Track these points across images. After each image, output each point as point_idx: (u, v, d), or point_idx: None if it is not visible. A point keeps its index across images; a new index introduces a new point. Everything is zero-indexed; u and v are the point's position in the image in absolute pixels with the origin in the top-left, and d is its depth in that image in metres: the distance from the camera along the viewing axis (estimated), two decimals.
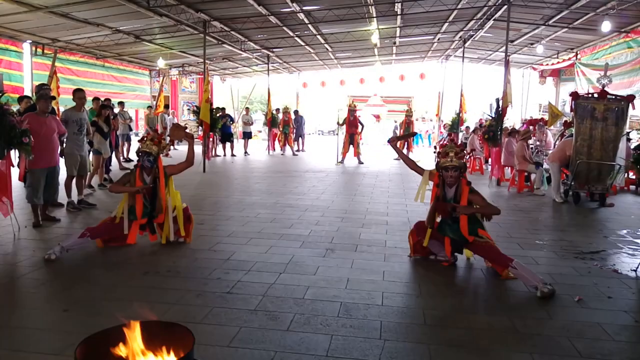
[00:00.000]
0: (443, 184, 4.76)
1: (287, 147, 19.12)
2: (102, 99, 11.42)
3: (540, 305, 3.91)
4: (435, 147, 18.63)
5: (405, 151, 17.26)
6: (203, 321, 3.47)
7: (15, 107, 7.04)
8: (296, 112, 20.81)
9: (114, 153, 11.29)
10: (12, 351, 3.04)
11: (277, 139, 19.59)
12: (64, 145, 7.24)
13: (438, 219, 4.87)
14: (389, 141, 5.69)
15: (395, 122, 27.49)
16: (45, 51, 14.94)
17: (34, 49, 14.73)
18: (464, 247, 4.77)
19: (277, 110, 19.84)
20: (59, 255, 4.83)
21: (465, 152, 4.86)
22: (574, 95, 9.00)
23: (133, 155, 14.67)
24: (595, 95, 8.97)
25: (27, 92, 13.59)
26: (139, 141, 5.49)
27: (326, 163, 15.48)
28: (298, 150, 19.78)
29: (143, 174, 5.37)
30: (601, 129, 8.66)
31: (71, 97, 7.68)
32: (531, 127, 12.18)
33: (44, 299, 3.93)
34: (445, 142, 19.14)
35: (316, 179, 11.49)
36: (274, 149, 19.68)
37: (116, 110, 13.32)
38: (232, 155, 17.59)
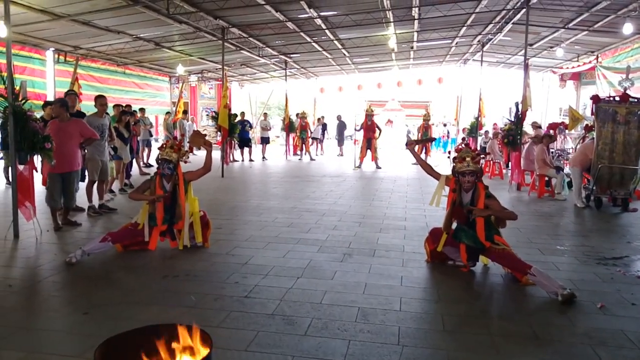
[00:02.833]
0: (460, 189, 4.73)
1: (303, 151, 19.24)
2: (123, 105, 11.56)
3: (561, 312, 3.85)
4: (449, 152, 18.45)
5: (423, 156, 17.19)
6: (220, 325, 3.48)
7: (38, 114, 7.15)
8: (339, 117, 21.12)
9: (134, 158, 11.43)
10: (33, 353, 3.09)
11: (295, 144, 19.68)
12: (85, 150, 7.34)
13: (454, 225, 4.83)
14: (406, 145, 5.69)
15: (407, 126, 27.29)
16: (68, 58, 15.21)
17: (56, 56, 15.01)
18: (480, 254, 4.72)
19: (320, 119, 21.24)
20: (79, 259, 4.91)
21: (481, 156, 4.81)
22: (595, 99, 8.87)
23: (153, 161, 14.85)
24: (617, 98, 8.83)
25: (50, 98, 13.83)
26: (158, 148, 5.55)
27: (344, 168, 15.48)
28: (340, 155, 20.48)
29: (163, 181, 5.43)
30: (623, 133, 8.52)
31: (93, 103, 7.81)
32: (552, 131, 12.04)
33: (65, 302, 3.98)
34: (460, 146, 19.03)
35: (334, 183, 11.49)
36: (296, 153, 19.73)
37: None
38: (250, 160, 17.69)
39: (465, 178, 4.63)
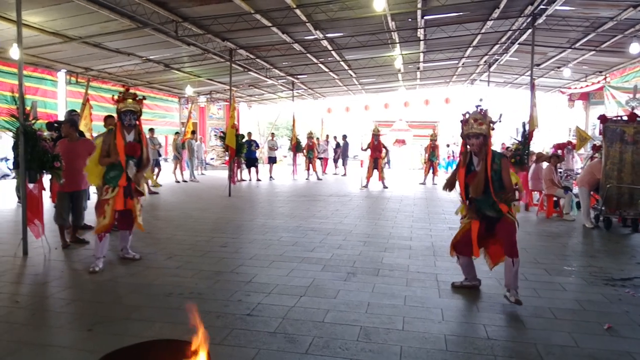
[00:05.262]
0: (470, 155, 4.60)
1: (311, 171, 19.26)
2: None
3: (567, 332, 3.81)
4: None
5: (430, 175, 17.19)
6: (223, 342, 3.48)
7: (46, 133, 7.26)
8: (344, 136, 21.28)
9: None
10: None
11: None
12: None
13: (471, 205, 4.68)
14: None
15: (360, 143, 26.89)
16: (79, 80, 15.47)
17: (68, 77, 15.30)
18: (496, 223, 4.52)
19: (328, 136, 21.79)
20: (102, 267, 5.30)
21: (488, 118, 4.53)
22: (603, 119, 8.86)
23: (162, 180, 14.96)
24: (625, 118, 8.81)
25: (61, 119, 14.05)
26: (117, 100, 5.55)
27: (350, 187, 15.50)
28: (345, 175, 20.58)
29: (124, 132, 5.51)
30: (632, 152, 8.46)
31: (103, 123, 7.91)
32: (560, 151, 12.02)
33: (70, 318, 4.00)
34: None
35: (340, 203, 11.49)
36: (317, 172, 19.64)
37: (147, 136, 13.66)
38: (257, 179, 17.77)
39: (470, 141, 4.48)
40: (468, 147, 4.58)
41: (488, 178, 4.44)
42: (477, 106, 4.60)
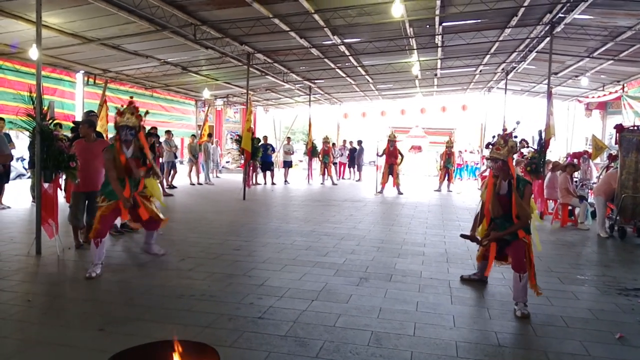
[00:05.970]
0: (499, 178, 4.72)
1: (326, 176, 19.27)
2: (148, 127, 11.84)
3: (578, 341, 3.78)
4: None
5: (445, 183, 17.08)
6: (233, 345, 3.50)
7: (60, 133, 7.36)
8: (360, 142, 21.36)
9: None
10: None
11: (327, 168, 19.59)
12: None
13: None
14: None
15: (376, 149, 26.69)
16: (97, 81, 15.67)
17: (86, 79, 15.50)
18: (507, 246, 4.71)
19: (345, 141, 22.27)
20: (100, 272, 5.15)
21: (510, 143, 4.64)
22: (619, 128, 8.78)
23: (177, 182, 15.08)
24: None
25: (79, 119, 14.25)
26: (116, 114, 5.41)
27: (365, 193, 15.48)
28: (360, 180, 20.75)
29: (123, 147, 5.38)
30: None
31: None
32: (575, 160, 11.89)
33: (81, 318, 4.05)
34: (484, 173, 18.88)
35: (354, 208, 11.48)
36: (332, 177, 19.66)
37: (162, 138, 13.86)
38: (273, 183, 17.83)
39: (491, 164, 4.71)
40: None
41: (509, 201, 4.57)
42: (503, 129, 4.76)
